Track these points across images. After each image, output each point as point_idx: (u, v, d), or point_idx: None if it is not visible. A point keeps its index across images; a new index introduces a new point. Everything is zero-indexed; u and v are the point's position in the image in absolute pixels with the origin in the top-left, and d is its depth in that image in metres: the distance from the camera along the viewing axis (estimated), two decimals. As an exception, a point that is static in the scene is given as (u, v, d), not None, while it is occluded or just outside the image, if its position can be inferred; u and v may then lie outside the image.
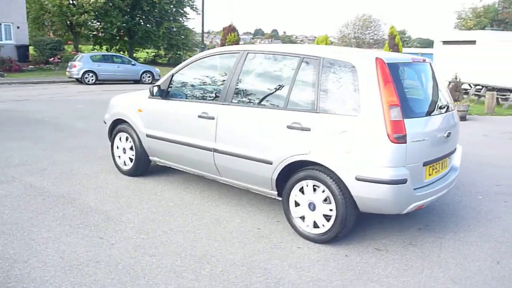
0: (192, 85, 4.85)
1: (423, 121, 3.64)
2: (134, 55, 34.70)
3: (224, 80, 4.42)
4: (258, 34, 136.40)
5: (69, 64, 19.89)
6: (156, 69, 22.06)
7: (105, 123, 5.71)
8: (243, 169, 4.16)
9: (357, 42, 60.15)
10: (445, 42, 23.62)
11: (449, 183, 4.00)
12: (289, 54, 4.03)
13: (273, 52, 4.18)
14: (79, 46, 30.67)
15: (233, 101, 4.24)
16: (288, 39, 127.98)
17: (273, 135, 3.90)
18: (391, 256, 3.60)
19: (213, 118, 4.32)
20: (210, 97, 4.56)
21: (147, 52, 39.09)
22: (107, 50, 33.83)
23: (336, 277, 3.23)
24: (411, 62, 3.92)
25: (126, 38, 34.56)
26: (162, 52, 38.77)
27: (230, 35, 17.38)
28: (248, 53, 4.29)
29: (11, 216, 4.09)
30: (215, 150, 4.32)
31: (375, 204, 3.47)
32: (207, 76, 4.76)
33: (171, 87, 4.86)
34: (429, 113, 3.81)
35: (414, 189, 3.49)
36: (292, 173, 3.86)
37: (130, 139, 5.30)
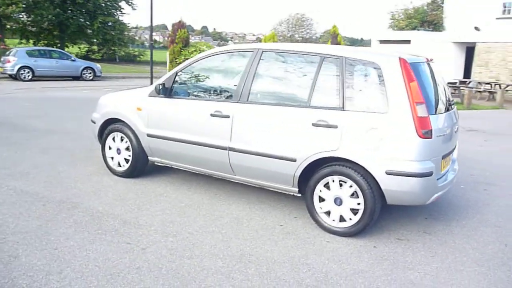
0: (201, 84, 4.76)
1: (442, 117, 3.90)
2: (66, 50, 32.81)
3: (237, 79, 4.39)
4: (188, 30, 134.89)
5: (1, 59, 18.39)
6: (98, 65, 21.08)
7: (94, 122, 5.43)
8: (262, 167, 4.17)
9: (292, 40, 61.54)
10: (381, 41, 24.94)
11: (455, 174, 4.32)
12: (308, 53, 4.10)
13: (290, 51, 4.23)
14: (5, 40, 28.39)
15: (250, 99, 4.23)
16: (218, 36, 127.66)
17: (297, 132, 3.96)
18: (414, 244, 3.82)
19: (228, 117, 4.29)
20: (222, 95, 4.51)
21: (79, 47, 37.14)
22: (34, 44, 31.62)
23: (376, 267, 3.38)
24: (425, 61, 4.16)
25: (56, 32, 32.52)
26: (95, 48, 37.06)
27: (180, 31, 17.05)
28: (263, 51, 4.30)
29: (18, 225, 3.78)
30: (231, 149, 4.29)
31: (404, 196, 3.66)
32: (217, 74, 4.70)
33: (175, 85, 4.73)
34: (446, 110, 4.08)
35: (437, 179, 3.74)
36: (314, 169, 3.95)
37: (126, 139, 5.09)
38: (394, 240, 3.89)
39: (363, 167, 3.68)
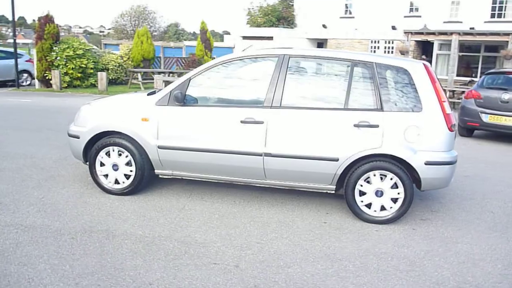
0: (224, 90, 4.61)
1: (452, 113, 4.60)
2: None
3: (265, 84, 4.41)
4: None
5: None
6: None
7: (77, 137, 4.76)
8: (300, 169, 4.32)
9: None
10: (245, 37, 26.11)
11: None
12: (338, 59, 4.38)
13: (318, 56, 4.44)
14: None
15: (283, 104, 4.32)
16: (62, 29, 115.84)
17: (338, 134, 4.22)
18: (441, 222, 4.46)
19: (262, 123, 4.30)
20: (251, 101, 4.47)
21: None
22: None
23: (434, 245, 3.89)
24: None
25: None
26: None
27: (48, 26, 15.19)
28: (289, 57, 4.41)
29: (73, 266, 3.23)
30: (267, 154, 4.32)
31: (437, 182, 4.26)
32: (241, 80, 4.62)
33: (190, 92, 4.50)
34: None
35: (452, 165, 4.44)
36: (352, 167, 4.28)
37: (126, 153, 4.63)
38: (420, 221, 4.47)
39: (404, 160, 4.15)
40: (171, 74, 17.48)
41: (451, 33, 16.58)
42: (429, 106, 4.14)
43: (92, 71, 16.24)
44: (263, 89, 4.42)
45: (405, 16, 25.32)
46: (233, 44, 25.98)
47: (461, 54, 21.24)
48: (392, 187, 4.24)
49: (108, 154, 4.69)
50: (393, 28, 25.11)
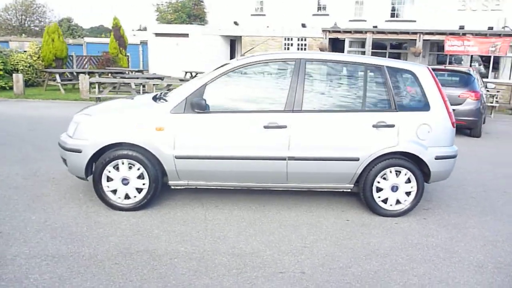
0: (242, 96, 4.50)
1: None
2: None
3: (284, 88, 4.43)
4: None
5: None
6: None
7: (77, 151, 4.32)
8: (322, 170, 4.44)
9: (23, 29, 54.24)
10: (158, 34, 25.33)
11: None
12: (353, 62, 4.56)
13: (333, 60, 4.57)
14: None
15: (304, 108, 4.39)
16: None
17: (358, 134, 4.41)
18: (441, 210, 4.90)
19: (285, 127, 4.33)
20: (272, 106, 4.44)
21: None
22: None
23: (451, 232, 4.29)
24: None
25: None
26: None
27: None
28: (306, 61, 4.48)
29: (141, 293, 2.99)
30: (290, 158, 4.36)
31: (443, 174, 4.68)
32: (259, 85, 4.55)
33: (206, 99, 4.34)
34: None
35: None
36: (371, 165, 4.51)
37: (137, 166, 4.33)
38: (424, 211, 4.87)
39: (417, 156, 4.49)
40: (91, 74, 16.31)
41: (366, 32, 17.88)
42: (436, 105, 4.52)
43: (1, 72, 14.51)
44: (283, 93, 4.43)
45: (313, 14, 26.60)
46: (139, 41, 25.09)
47: (371, 51, 23.00)
48: (406, 182, 4.56)
49: (116, 167, 4.34)
50: (303, 26, 26.24)
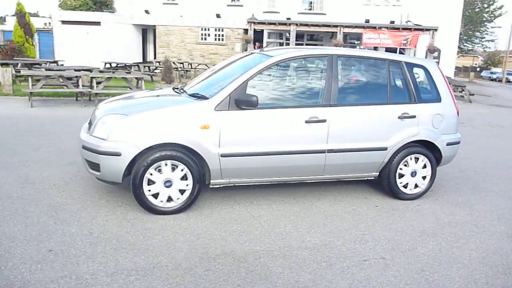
0: (282, 91, 4.49)
1: None
2: None
3: (320, 83, 4.56)
4: None
5: None
6: None
7: (116, 155, 3.98)
8: (356, 161, 4.69)
9: None
10: (65, 22, 23.36)
11: None
12: (377, 58, 4.85)
13: (361, 56, 4.81)
14: None
15: (339, 102, 4.57)
16: None
17: (386, 126, 4.73)
18: (444, 190, 5.46)
19: (324, 121, 4.47)
20: (311, 101, 4.53)
21: None
22: None
23: (468, 210, 4.83)
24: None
25: None
26: None
27: None
28: (338, 57, 4.65)
29: (260, 296, 2.95)
30: (329, 151, 4.53)
31: (450, 159, 5.21)
32: (296, 80, 4.59)
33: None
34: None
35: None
36: (395, 154, 4.87)
37: (181, 166, 4.14)
38: (431, 192, 5.36)
39: (433, 144, 4.95)
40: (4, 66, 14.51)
41: (290, 24, 18.49)
42: (445, 97, 5.02)
43: None
44: (319, 88, 4.56)
45: (228, 5, 26.69)
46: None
47: (286, 42, 23.84)
48: (422, 167, 5.00)
49: (158, 169, 4.10)
50: (218, 16, 26.19)
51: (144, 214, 4.17)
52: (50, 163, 5.69)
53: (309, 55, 4.71)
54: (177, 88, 5.15)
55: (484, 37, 45.23)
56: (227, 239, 3.77)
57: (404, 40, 17.31)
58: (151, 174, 4.08)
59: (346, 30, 18.13)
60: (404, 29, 17.68)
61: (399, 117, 4.76)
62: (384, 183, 4.96)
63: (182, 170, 4.15)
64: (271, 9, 25.99)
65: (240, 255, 3.50)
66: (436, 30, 18.18)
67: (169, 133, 4.06)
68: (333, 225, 4.22)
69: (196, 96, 4.45)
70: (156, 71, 18.48)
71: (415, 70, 4.99)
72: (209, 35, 25.36)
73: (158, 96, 4.97)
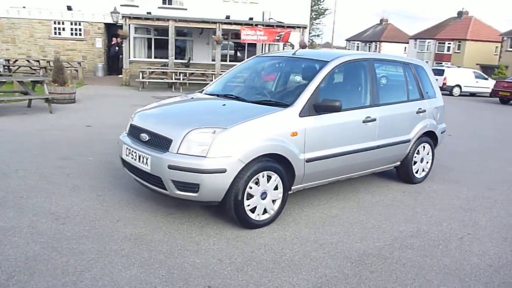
0: (343, 94, 4.71)
1: None
2: None
3: (365, 85, 4.94)
4: None
5: None
6: None
7: (221, 172, 3.70)
8: (392, 154, 5.25)
9: None
10: None
11: None
12: (397, 61, 5.50)
13: (387, 60, 5.38)
14: None
15: (381, 102, 5.04)
16: None
17: (410, 120, 5.42)
18: (437, 178, 6.41)
19: (375, 120, 4.90)
20: (363, 101, 4.87)
21: None
22: None
23: (468, 193, 5.86)
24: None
25: None
26: None
27: None
28: (374, 61, 5.09)
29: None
30: (378, 147, 4.99)
31: (439, 144, 6.17)
32: (350, 83, 4.88)
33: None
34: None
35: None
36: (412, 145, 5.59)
37: (275, 176, 4.09)
38: (427, 180, 6.26)
39: (434, 133, 5.83)
40: None
41: (168, 20, 17.98)
42: (437, 92, 5.95)
43: None
44: (366, 90, 4.95)
45: (80, -3, 24.33)
46: None
47: (154, 37, 23.05)
48: (427, 154, 5.85)
49: (257, 183, 3.97)
50: (69, 8, 23.68)
51: (235, 229, 3.98)
52: None
53: (356, 59, 5.01)
54: (213, 94, 4.97)
55: (311, 33, 51.06)
56: (344, 240, 3.91)
57: (277, 36, 18.58)
58: (251, 188, 3.92)
59: (225, 26, 18.52)
60: (277, 26, 18.96)
61: (416, 112, 5.48)
62: (403, 170, 5.64)
63: (275, 180, 4.08)
64: (129, 3, 24.59)
65: (374, 253, 3.70)
66: (305, 27, 20.00)
67: (267, 144, 3.95)
68: (382, 216, 4.55)
69: (267, 102, 4.41)
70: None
71: (417, 69, 5.77)
72: (63, 29, 22.78)
73: (224, 105, 4.59)
